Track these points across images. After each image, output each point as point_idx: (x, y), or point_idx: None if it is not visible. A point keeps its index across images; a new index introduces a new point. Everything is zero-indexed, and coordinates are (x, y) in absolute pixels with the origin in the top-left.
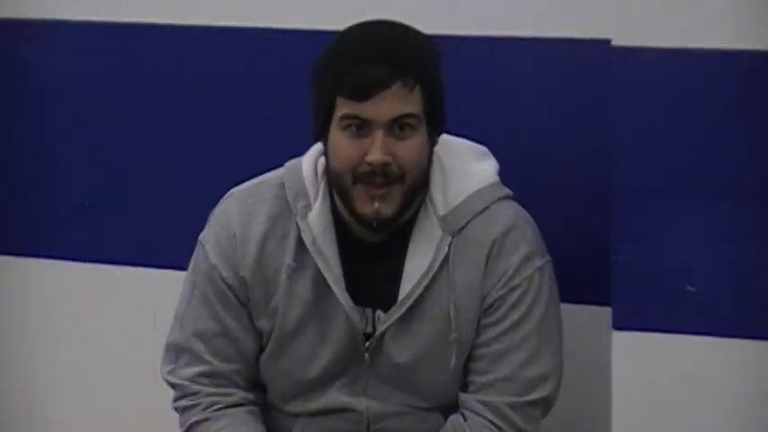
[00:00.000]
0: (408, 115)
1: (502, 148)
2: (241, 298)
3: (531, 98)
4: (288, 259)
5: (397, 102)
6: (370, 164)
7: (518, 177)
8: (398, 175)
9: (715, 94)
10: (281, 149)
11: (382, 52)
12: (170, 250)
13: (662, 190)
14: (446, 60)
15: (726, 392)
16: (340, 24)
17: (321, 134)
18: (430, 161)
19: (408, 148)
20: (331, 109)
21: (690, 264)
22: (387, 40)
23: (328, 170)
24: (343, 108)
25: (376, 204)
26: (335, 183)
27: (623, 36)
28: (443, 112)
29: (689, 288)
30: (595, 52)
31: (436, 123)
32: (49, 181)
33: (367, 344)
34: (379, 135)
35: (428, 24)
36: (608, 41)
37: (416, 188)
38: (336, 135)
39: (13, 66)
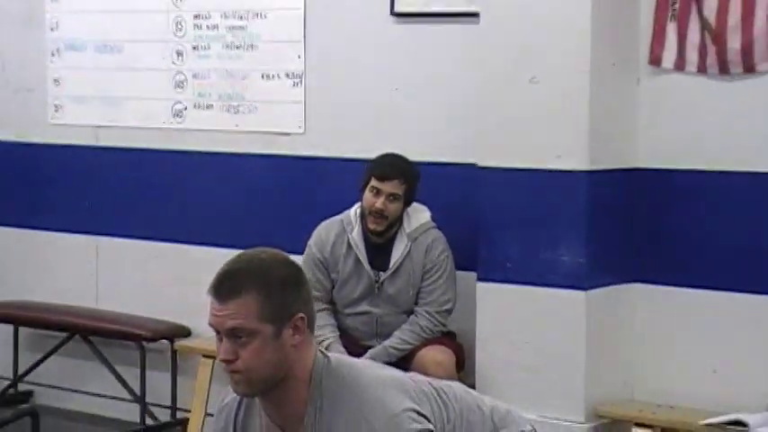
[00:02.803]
0: None
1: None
2: (325, 265)
3: None
4: (343, 250)
5: None
6: (372, 210)
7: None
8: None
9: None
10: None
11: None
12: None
13: None
14: None
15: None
16: None
17: (360, 192)
18: (400, 217)
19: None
20: (367, 182)
21: None
22: None
23: (362, 210)
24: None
25: (375, 226)
26: (363, 215)
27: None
28: None
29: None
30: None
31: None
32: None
33: (377, 284)
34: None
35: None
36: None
37: (393, 222)
38: (366, 195)
39: None
